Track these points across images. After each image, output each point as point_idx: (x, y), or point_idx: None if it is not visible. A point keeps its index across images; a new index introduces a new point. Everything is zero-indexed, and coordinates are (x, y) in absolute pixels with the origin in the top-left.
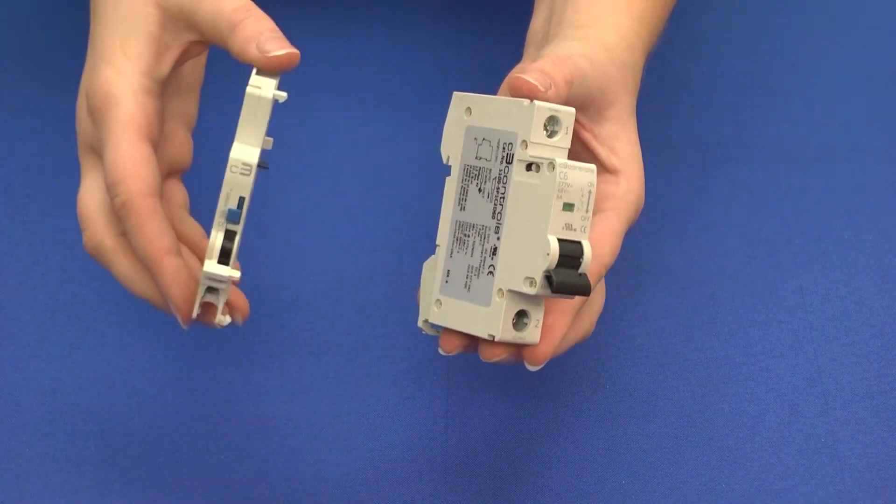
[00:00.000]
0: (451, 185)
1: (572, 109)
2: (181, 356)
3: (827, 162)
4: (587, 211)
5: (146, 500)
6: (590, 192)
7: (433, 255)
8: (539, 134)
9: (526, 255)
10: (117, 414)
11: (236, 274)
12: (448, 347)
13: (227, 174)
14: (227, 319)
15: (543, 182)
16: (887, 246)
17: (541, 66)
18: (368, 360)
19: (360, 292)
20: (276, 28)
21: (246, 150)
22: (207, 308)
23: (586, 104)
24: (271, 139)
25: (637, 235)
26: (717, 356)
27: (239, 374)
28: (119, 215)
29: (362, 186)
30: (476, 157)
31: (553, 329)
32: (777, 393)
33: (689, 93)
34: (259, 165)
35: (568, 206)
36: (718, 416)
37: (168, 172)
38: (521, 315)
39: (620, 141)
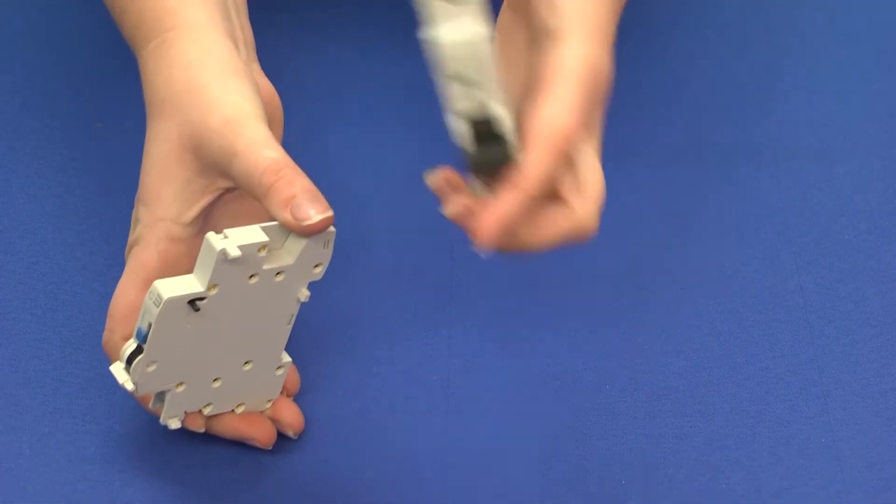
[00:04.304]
0: None
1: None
2: None
3: (827, 162)
4: None
5: (146, 499)
6: None
7: None
8: None
9: None
10: (117, 414)
11: (129, 385)
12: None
13: (146, 297)
14: (174, 424)
15: None
16: (887, 246)
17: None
18: (367, 360)
19: (359, 293)
20: (309, 186)
21: (174, 285)
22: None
23: None
24: (308, 293)
25: (637, 235)
26: (717, 356)
27: None
28: (104, 350)
29: (360, 192)
30: None
31: (502, 200)
32: (777, 393)
33: (689, 93)
34: (192, 301)
35: None
36: (718, 416)
37: None
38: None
39: None
